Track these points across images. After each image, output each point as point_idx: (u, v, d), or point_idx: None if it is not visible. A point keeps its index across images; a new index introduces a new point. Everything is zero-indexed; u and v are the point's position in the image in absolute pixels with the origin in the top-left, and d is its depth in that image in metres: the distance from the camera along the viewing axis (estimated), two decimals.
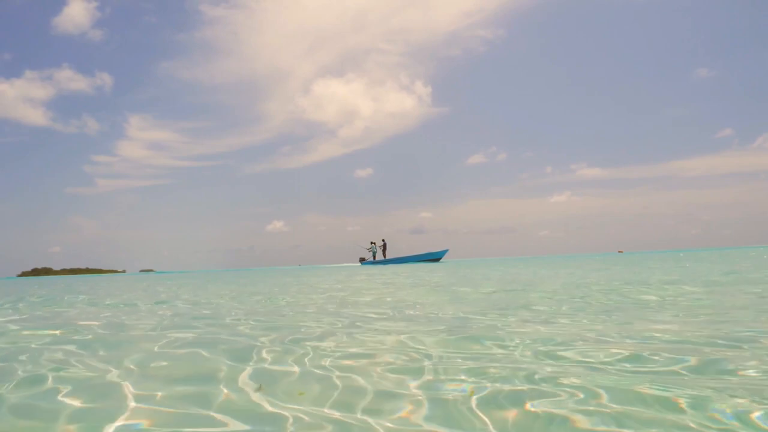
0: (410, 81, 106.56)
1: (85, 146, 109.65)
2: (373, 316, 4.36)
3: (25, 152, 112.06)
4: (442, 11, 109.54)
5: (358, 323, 3.86)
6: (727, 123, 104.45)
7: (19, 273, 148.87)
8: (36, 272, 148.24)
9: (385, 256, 38.80)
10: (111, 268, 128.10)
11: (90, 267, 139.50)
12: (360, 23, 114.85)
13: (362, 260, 39.80)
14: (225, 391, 2.00)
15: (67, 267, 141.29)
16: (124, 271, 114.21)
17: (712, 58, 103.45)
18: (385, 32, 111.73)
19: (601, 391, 1.79)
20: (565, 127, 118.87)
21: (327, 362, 2.44)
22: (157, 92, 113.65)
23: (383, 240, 39.54)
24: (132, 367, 2.52)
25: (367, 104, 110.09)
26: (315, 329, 3.57)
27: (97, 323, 4.46)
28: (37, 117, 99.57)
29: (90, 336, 3.60)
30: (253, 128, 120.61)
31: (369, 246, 39.76)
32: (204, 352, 2.80)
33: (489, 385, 1.93)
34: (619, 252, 68.86)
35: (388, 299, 6.07)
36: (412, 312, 4.59)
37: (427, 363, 2.34)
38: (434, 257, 36.39)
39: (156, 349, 3.00)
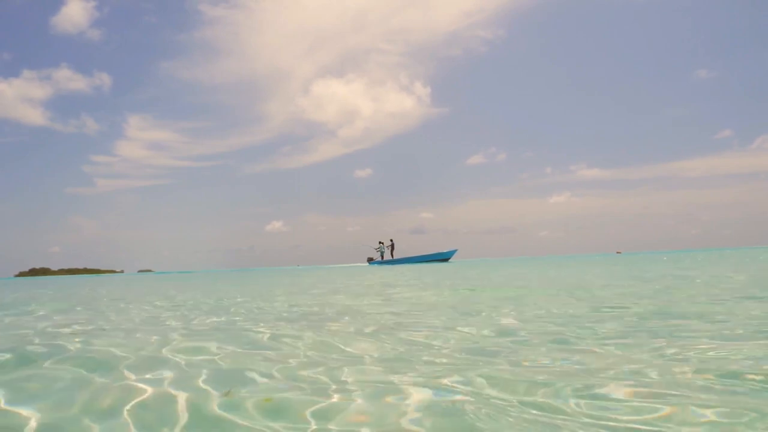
0: (410, 81, 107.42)
1: (84, 146, 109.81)
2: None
3: (24, 152, 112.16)
4: (442, 11, 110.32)
5: None
6: (726, 124, 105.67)
7: (17, 273, 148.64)
8: (34, 272, 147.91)
9: (392, 256, 39.20)
10: (110, 269, 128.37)
11: (88, 267, 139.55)
12: (360, 23, 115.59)
13: (370, 260, 40.12)
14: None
15: (66, 267, 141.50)
16: (122, 272, 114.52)
17: (712, 58, 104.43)
18: (385, 32, 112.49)
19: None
20: (565, 127, 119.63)
21: None
22: (156, 92, 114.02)
23: (391, 240, 39.83)
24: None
25: (367, 104, 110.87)
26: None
27: None
28: (35, 117, 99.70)
29: None
30: (253, 128, 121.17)
31: (377, 246, 40.43)
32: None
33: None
34: (618, 252, 69.78)
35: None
36: None
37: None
38: (443, 257, 36.31)
39: None
